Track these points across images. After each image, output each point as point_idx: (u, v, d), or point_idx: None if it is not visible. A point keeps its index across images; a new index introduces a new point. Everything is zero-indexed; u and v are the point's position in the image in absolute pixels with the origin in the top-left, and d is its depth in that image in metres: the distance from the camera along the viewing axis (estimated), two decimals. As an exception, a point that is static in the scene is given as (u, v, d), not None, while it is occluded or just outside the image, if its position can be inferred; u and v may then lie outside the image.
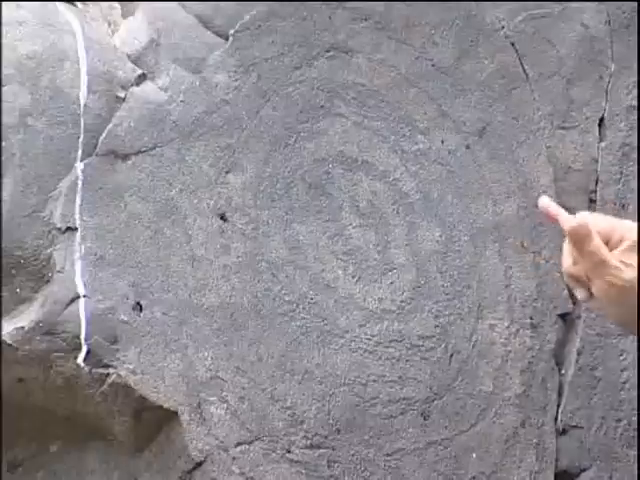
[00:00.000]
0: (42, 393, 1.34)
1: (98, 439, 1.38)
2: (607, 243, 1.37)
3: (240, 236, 1.40)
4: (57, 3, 1.39)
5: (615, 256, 1.36)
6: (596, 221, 1.39)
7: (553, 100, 1.58)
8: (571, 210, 1.57)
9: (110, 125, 1.36)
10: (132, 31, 1.41)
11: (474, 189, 1.51)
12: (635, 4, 1.64)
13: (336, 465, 1.40)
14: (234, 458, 1.36)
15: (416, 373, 1.45)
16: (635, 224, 1.40)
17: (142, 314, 1.34)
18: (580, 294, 1.41)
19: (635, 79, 1.63)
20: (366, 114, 1.47)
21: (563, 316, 1.55)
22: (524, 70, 1.56)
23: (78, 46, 1.36)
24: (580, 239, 1.36)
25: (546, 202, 1.43)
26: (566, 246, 1.41)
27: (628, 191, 1.61)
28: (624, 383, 1.57)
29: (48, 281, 1.31)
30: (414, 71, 1.50)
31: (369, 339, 1.43)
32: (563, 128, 1.58)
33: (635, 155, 1.61)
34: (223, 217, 1.39)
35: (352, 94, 1.47)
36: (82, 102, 1.34)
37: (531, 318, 1.52)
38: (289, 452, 1.38)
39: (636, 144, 1.61)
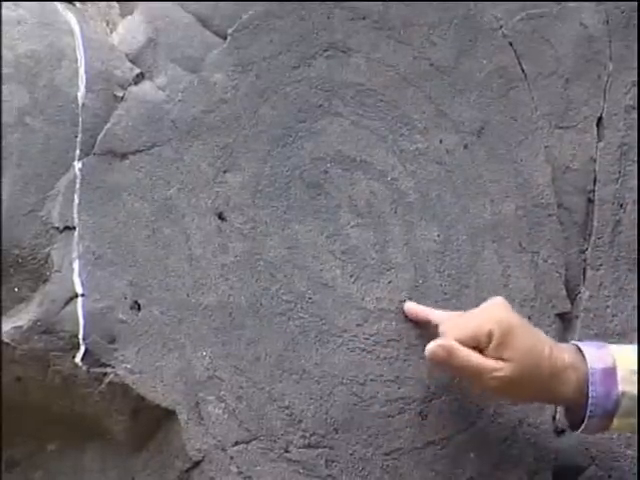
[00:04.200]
0: (40, 392, 1.34)
1: (96, 438, 1.38)
2: (477, 346, 1.36)
3: (238, 235, 1.40)
4: (56, 2, 1.39)
5: (489, 355, 1.36)
6: (456, 331, 1.37)
7: (551, 100, 1.58)
8: (569, 210, 1.58)
9: (108, 124, 1.36)
10: (130, 30, 1.41)
11: (472, 189, 1.51)
12: (634, 4, 1.64)
13: (334, 464, 1.40)
14: (232, 457, 1.36)
15: (414, 372, 1.45)
16: (496, 308, 1.39)
17: (140, 313, 1.34)
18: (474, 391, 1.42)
19: (634, 79, 1.63)
20: (364, 113, 1.47)
21: (561, 316, 1.55)
22: (522, 70, 1.56)
23: (76, 45, 1.36)
24: (445, 359, 1.36)
25: (411, 306, 1.43)
26: None
27: (626, 190, 1.61)
28: (622, 383, 1.57)
29: (46, 280, 1.31)
30: (412, 71, 1.50)
31: (367, 338, 1.43)
32: (561, 128, 1.58)
33: (633, 155, 1.61)
34: (221, 216, 1.39)
35: (350, 93, 1.47)
36: (80, 101, 1.34)
37: (529, 318, 1.51)
38: (287, 451, 1.38)
39: (634, 144, 1.61)
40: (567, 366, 1.37)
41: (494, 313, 1.39)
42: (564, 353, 1.38)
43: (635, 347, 1.40)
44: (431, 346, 1.36)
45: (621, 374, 1.37)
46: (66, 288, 1.31)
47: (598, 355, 1.39)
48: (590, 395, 1.36)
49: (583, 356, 1.38)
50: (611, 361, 1.38)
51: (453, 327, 1.38)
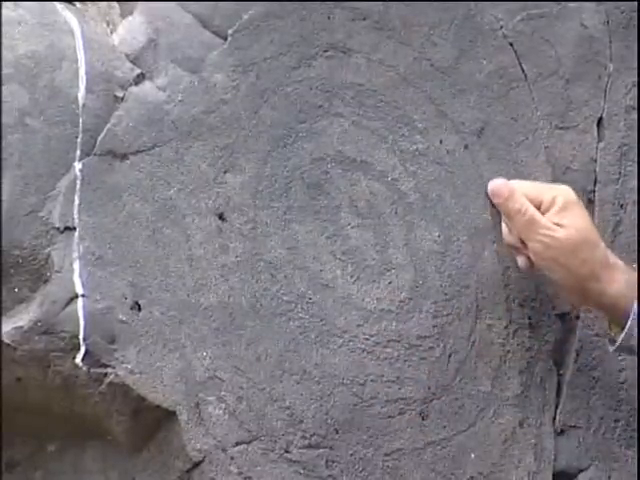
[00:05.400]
0: (40, 393, 1.34)
1: (96, 439, 1.38)
2: (539, 207, 1.38)
3: (238, 236, 1.40)
4: (56, 3, 1.39)
5: (547, 217, 1.37)
6: (525, 186, 1.40)
7: (552, 100, 1.58)
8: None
9: (109, 125, 1.36)
10: (131, 31, 1.41)
11: (473, 189, 1.51)
12: (634, 4, 1.64)
13: (334, 465, 1.40)
14: (232, 458, 1.36)
15: (414, 373, 1.45)
16: (565, 187, 1.41)
17: (140, 314, 1.34)
18: (520, 262, 1.43)
19: (634, 79, 1.63)
20: (365, 114, 1.47)
21: (561, 316, 1.55)
22: (523, 70, 1.56)
23: (77, 46, 1.36)
24: (504, 199, 1.37)
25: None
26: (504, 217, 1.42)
27: (627, 191, 1.61)
28: (622, 383, 1.57)
29: (46, 281, 1.31)
30: (413, 71, 1.50)
31: (367, 339, 1.43)
32: (562, 128, 1.58)
33: (634, 155, 1.61)
34: (221, 217, 1.39)
35: (351, 94, 1.47)
36: (81, 102, 1.34)
37: (529, 318, 1.52)
38: (287, 452, 1.38)
39: (635, 144, 1.61)
40: (619, 266, 1.39)
41: (563, 187, 1.42)
42: (618, 258, 1.41)
43: None
44: (496, 182, 1.38)
45: None
46: (66, 289, 1.31)
47: None
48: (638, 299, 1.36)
49: (634, 269, 1.41)
50: None
51: (521, 182, 1.42)
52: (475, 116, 1.53)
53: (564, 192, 1.41)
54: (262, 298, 1.39)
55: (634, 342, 1.40)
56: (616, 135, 1.61)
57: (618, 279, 1.38)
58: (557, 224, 1.37)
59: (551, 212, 1.38)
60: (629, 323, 1.37)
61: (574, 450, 1.55)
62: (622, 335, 1.38)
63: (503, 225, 1.46)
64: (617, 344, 1.41)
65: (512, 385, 1.50)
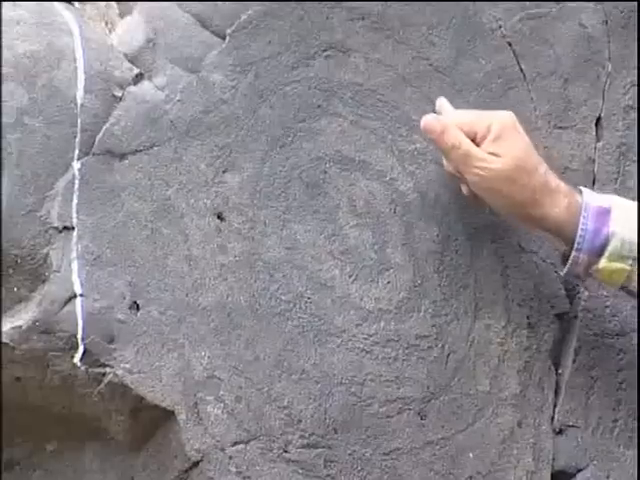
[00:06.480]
0: (39, 392, 1.34)
1: (95, 438, 1.38)
2: (475, 138, 1.37)
3: (237, 235, 1.40)
4: (55, 3, 1.39)
5: (483, 148, 1.36)
6: (459, 117, 1.39)
7: (550, 100, 1.58)
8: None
9: (107, 124, 1.36)
10: (129, 30, 1.41)
11: (471, 189, 1.51)
12: (633, 4, 1.64)
13: (333, 464, 1.40)
14: (231, 457, 1.36)
15: (413, 373, 1.45)
16: (503, 113, 1.40)
17: (139, 313, 1.34)
18: (464, 190, 1.43)
19: (633, 79, 1.63)
20: (363, 114, 1.47)
21: (560, 316, 1.55)
22: (521, 70, 1.56)
23: (75, 45, 1.36)
24: (437, 135, 1.37)
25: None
26: None
27: (625, 190, 1.60)
28: (621, 383, 1.57)
29: (45, 280, 1.31)
30: (411, 71, 1.51)
31: (366, 339, 1.43)
32: (560, 128, 1.58)
33: (632, 154, 1.61)
34: (220, 216, 1.40)
35: (349, 94, 1.47)
36: (79, 101, 1.35)
37: (528, 318, 1.52)
38: (286, 451, 1.38)
39: (633, 144, 1.61)
40: (561, 190, 1.38)
41: (500, 113, 1.40)
42: (560, 180, 1.40)
43: (635, 204, 1.40)
44: (427, 117, 1.37)
45: (615, 215, 1.38)
46: (65, 288, 1.31)
47: (596, 196, 1.40)
48: (580, 227, 1.36)
49: (580, 193, 1.40)
50: (608, 204, 1.39)
51: (455, 114, 1.41)
52: (474, 116, 1.53)
53: (499, 119, 1.39)
54: (260, 298, 1.39)
55: (579, 270, 1.40)
56: (615, 135, 1.61)
57: (559, 203, 1.37)
58: (492, 153, 1.36)
59: (486, 142, 1.36)
60: (573, 253, 1.38)
61: (573, 450, 1.55)
62: (570, 260, 1.39)
63: (443, 156, 1.45)
64: (565, 270, 1.41)
65: (510, 385, 1.50)
